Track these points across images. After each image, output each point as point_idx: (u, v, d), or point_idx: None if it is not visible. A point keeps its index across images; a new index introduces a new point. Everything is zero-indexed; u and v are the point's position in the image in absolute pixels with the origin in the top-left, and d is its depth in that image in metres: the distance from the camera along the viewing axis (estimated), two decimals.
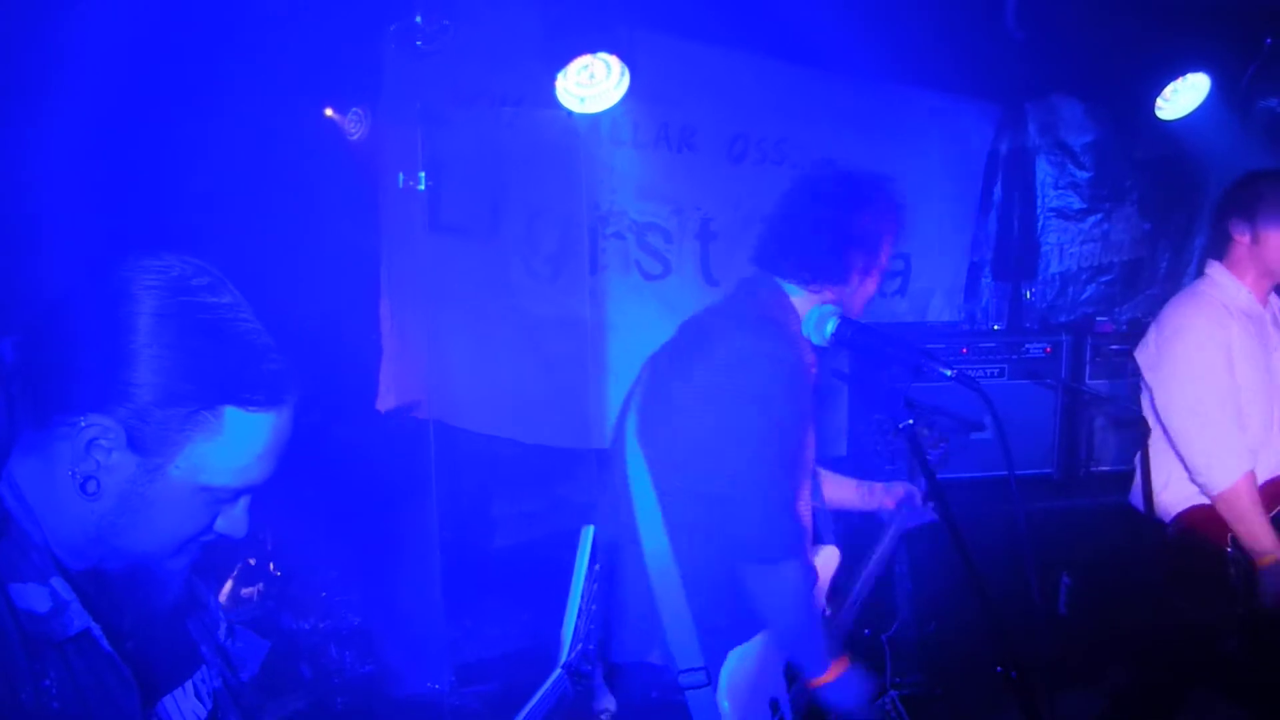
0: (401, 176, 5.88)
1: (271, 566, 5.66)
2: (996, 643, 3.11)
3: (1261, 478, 5.02)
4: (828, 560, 4.06)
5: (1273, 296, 5.34)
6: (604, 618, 3.06)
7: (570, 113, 5.93)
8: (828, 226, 3.72)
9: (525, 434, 6.33)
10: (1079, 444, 7.29)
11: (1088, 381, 7.26)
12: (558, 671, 2.82)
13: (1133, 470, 5.40)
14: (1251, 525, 4.91)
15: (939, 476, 5.13)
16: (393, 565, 6.26)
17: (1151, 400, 5.23)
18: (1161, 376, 5.17)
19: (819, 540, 4.09)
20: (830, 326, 3.42)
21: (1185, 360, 5.11)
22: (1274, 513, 4.95)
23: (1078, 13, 6.45)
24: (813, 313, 3.48)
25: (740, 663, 3.73)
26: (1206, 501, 5.08)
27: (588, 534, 2.92)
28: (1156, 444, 5.21)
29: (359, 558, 6.08)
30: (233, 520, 2.13)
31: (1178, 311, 5.25)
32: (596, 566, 2.92)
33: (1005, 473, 6.70)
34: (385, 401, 6.32)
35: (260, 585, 5.62)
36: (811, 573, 3.72)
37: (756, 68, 6.60)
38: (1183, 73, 6.97)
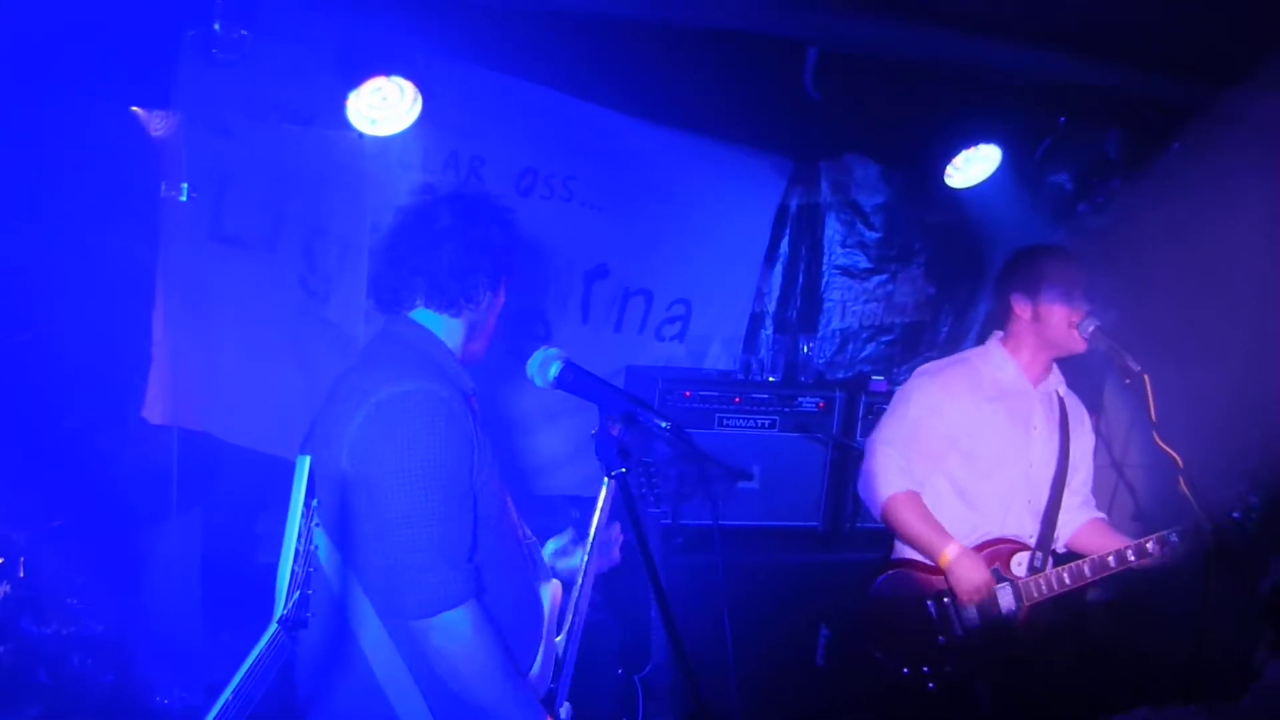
0: (164, 185, 5.95)
1: (21, 567, 5.64)
2: (689, 693, 3.26)
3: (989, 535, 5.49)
4: (553, 595, 4.13)
5: (1057, 376, 5.72)
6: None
7: (360, 134, 6.01)
8: (447, 243, 3.83)
9: (291, 451, 6.24)
10: (845, 499, 7.46)
11: (859, 438, 7.39)
12: (274, 627, 2.76)
13: None
14: (919, 530, 5.39)
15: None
16: (150, 575, 6.24)
17: None
18: None
19: (539, 577, 4.15)
20: (554, 370, 3.53)
21: (897, 401, 5.68)
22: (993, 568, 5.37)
23: (875, 77, 6.72)
24: (537, 355, 3.57)
25: None
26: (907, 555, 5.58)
27: (303, 465, 2.85)
28: None
29: (115, 565, 6.05)
30: None
31: (927, 367, 5.75)
32: (314, 502, 2.86)
33: (771, 523, 7.09)
34: (152, 411, 6.27)
35: (6, 587, 5.59)
36: (487, 621, 3.61)
37: (551, 103, 6.73)
38: (975, 143, 7.25)
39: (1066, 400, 5.73)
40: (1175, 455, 5.33)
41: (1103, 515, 5.81)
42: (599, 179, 7.23)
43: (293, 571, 2.83)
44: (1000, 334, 5.66)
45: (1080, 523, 5.70)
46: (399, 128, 6.04)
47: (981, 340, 5.84)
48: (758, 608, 6.57)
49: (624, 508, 3.37)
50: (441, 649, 3.51)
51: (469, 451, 3.64)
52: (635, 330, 7.77)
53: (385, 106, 5.97)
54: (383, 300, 3.96)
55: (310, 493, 2.87)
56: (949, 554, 5.30)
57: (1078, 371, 6.97)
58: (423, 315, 3.87)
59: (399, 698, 3.67)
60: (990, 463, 5.51)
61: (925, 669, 5.38)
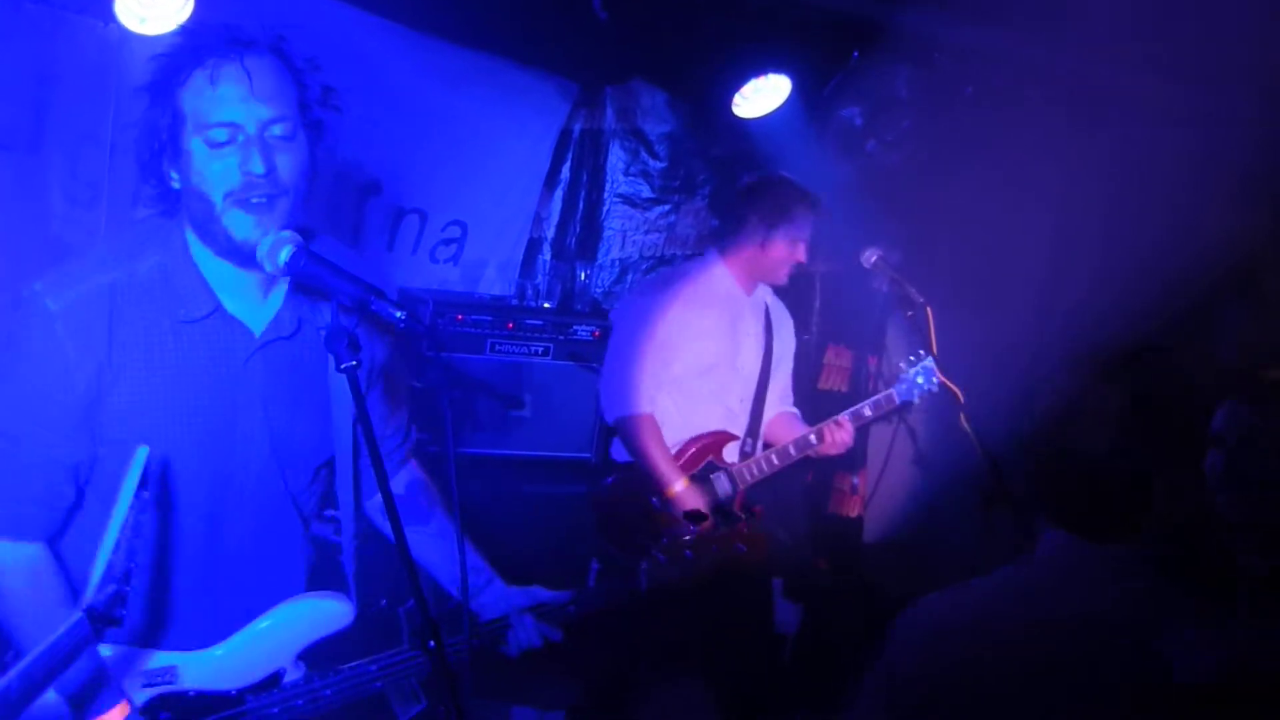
0: None
1: None
2: (424, 619, 3.26)
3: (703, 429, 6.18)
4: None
5: (765, 288, 6.55)
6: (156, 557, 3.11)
7: (130, 32, 5.86)
8: None
9: None
10: None
11: None
12: (77, 614, 2.68)
13: None
14: (650, 458, 6.00)
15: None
16: None
17: None
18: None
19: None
20: (284, 254, 3.40)
21: (626, 316, 6.38)
22: (704, 463, 6.05)
23: (666, 1, 6.98)
24: (268, 238, 3.44)
25: None
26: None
27: (141, 455, 2.83)
28: None
29: None
30: None
31: (652, 285, 6.53)
32: (145, 494, 2.81)
33: (542, 453, 7.43)
34: None
35: None
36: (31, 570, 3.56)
37: (329, 10, 6.78)
38: (765, 73, 7.50)
39: (772, 307, 6.59)
40: (956, 389, 5.80)
41: (795, 410, 6.66)
42: (376, 93, 7.29)
43: (110, 562, 2.73)
44: (720, 245, 6.42)
45: (774, 414, 6.55)
46: (171, 27, 5.82)
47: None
48: (528, 539, 6.92)
49: (354, 404, 3.24)
50: None
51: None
52: (409, 251, 7.94)
53: (155, 3, 5.80)
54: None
55: (143, 485, 2.82)
56: (676, 489, 5.94)
57: (857, 314, 7.50)
58: None
59: None
60: (707, 364, 6.24)
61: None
